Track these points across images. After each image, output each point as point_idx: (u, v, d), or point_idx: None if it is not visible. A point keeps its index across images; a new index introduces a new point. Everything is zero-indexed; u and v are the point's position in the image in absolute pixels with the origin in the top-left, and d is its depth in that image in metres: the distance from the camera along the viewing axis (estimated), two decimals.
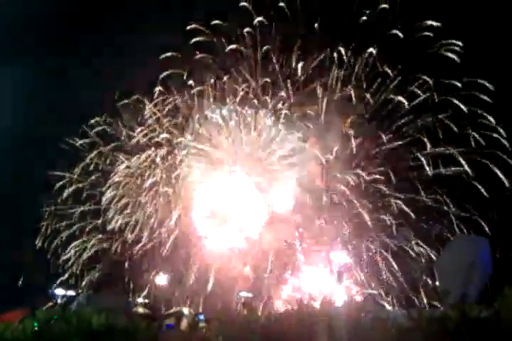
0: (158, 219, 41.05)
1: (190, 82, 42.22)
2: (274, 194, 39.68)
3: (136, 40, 40.36)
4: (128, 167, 42.51)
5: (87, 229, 41.70)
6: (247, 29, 40.79)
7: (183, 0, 40.76)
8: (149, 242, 40.82)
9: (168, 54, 41.29)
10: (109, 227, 41.07)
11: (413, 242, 36.45)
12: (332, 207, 38.20)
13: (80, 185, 42.92)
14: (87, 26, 42.35)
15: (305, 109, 39.72)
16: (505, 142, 34.98)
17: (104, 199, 42.12)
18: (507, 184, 34.45)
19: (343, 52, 39.08)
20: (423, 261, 35.78)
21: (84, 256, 41.32)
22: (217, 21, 41.08)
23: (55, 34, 41.67)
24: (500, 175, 34.64)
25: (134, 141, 43.07)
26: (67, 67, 41.47)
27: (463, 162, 35.88)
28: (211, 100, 41.80)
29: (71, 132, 43.17)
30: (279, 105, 40.19)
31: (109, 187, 42.37)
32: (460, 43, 36.00)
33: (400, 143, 37.72)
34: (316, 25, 39.26)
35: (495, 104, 34.80)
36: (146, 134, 42.96)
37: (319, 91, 39.34)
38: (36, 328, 12.76)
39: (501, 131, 34.92)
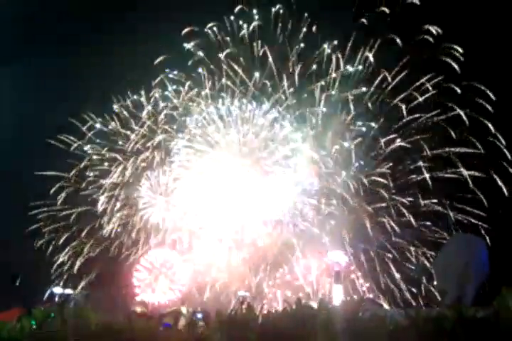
0: (155, 224, 40.88)
1: (188, 83, 42.06)
2: (272, 196, 39.62)
3: (134, 42, 40.27)
4: (125, 168, 42.31)
5: (85, 231, 41.12)
6: (244, 31, 40.64)
7: (179, 3, 40.66)
8: (146, 245, 40.67)
9: (166, 56, 41.20)
10: (107, 229, 40.85)
11: (411, 244, 36.51)
12: (330, 208, 38.19)
13: (78, 186, 42.48)
14: (85, 27, 42.22)
15: (303, 110, 39.79)
16: (501, 146, 35.10)
17: (100, 201, 41.85)
18: (506, 192, 34.56)
19: (339, 56, 39.02)
20: (420, 262, 35.82)
21: (82, 256, 41.02)
22: (213, 23, 41.02)
23: (54, 34, 41.50)
24: (500, 182, 34.81)
25: (132, 142, 42.73)
26: (64, 68, 41.26)
27: (461, 168, 35.93)
28: (209, 101, 41.65)
29: (69, 133, 43.01)
30: (278, 107, 40.10)
31: (105, 190, 42.11)
32: (460, 49, 35.92)
33: (399, 145, 37.73)
34: (314, 28, 39.28)
35: (495, 111, 34.84)
36: (143, 135, 42.74)
37: (317, 92, 39.30)
38: (34, 327, 12.76)
39: (499, 136, 35.00)
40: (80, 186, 42.62)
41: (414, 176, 37.42)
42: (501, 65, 33.50)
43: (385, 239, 36.60)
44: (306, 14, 39.51)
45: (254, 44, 40.51)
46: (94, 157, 43.47)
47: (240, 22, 40.86)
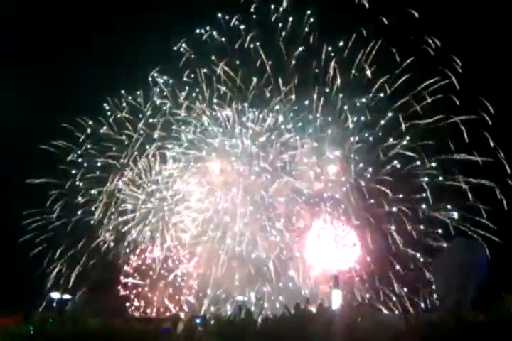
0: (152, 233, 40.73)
1: (186, 89, 42.03)
2: (272, 203, 39.62)
3: (132, 47, 40.26)
4: (122, 176, 42.03)
5: (83, 241, 40.60)
6: (242, 36, 40.64)
7: (177, 8, 40.77)
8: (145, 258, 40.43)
9: (164, 62, 41.25)
10: (102, 238, 40.49)
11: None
12: (330, 212, 38.23)
13: (74, 195, 41.87)
14: (84, 31, 41.79)
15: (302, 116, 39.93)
16: (499, 155, 35.30)
17: (97, 210, 41.44)
18: (505, 206, 34.73)
19: (336, 66, 39.15)
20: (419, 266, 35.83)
21: (80, 265, 40.52)
22: (213, 29, 41.14)
23: (46, 38, 41.02)
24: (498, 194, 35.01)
25: (129, 149, 42.44)
26: (59, 71, 40.99)
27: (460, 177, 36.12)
28: (207, 107, 41.65)
29: (64, 139, 42.37)
30: (276, 113, 40.20)
31: (102, 198, 41.72)
32: (459, 61, 36.16)
33: (398, 152, 37.94)
34: (312, 37, 39.48)
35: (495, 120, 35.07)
36: (141, 143, 42.53)
37: (315, 98, 39.43)
38: (32, 332, 12.73)
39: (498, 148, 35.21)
40: (77, 194, 41.87)
41: (414, 184, 37.52)
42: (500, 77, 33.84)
43: (384, 245, 36.61)
44: (305, 20, 39.78)
45: (252, 45, 40.44)
46: (89, 164, 42.80)
47: (236, 22, 40.94)
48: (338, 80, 39.11)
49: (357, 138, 39.07)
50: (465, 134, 35.70)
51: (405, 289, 35.83)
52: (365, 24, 37.14)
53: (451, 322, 10.80)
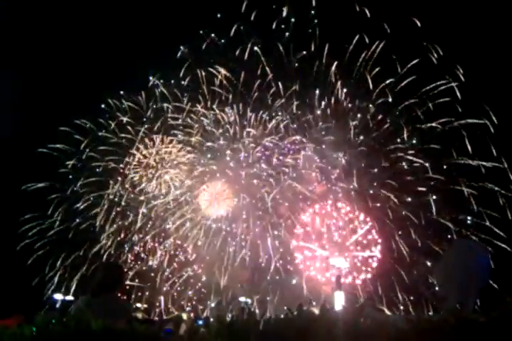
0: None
1: (188, 91, 42.15)
2: (273, 206, 39.62)
3: (132, 50, 40.60)
4: (123, 182, 41.99)
5: (85, 246, 40.59)
6: (240, 47, 40.58)
7: (175, 12, 40.95)
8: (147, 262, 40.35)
9: (164, 65, 41.61)
10: (103, 244, 40.45)
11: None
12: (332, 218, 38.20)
13: (74, 200, 41.81)
14: (82, 32, 41.72)
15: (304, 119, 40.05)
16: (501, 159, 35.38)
17: (99, 216, 41.34)
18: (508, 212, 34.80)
19: (338, 73, 39.31)
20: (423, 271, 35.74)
21: (83, 268, 40.53)
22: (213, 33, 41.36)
23: (47, 42, 40.80)
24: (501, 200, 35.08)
25: (131, 154, 42.42)
26: (58, 72, 40.72)
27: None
28: (208, 111, 41.71)
29: (66, 144, 42.38)
30: (278, 117, 40.30)
31: (104, 204, 41.60)
32: (461, 70, 36.34)
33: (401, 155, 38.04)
34: (312, 43, 39.73)
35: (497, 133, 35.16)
36: (142, 148, 42.51)
37: (316, 102, 39.61)
38: (34, 333, 12.69)
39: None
40: (77, 199, 41.72)
41: (417, 188, 37.52)
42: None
43: (387, 249, 36.54)
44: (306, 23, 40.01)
45: (255, 48, 40.55)
46: (90, 169, 42.64)
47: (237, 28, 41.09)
48: (340, 85, 39.36)
49: (359, 141, 39.23)
50: (466, 140, 35.88)
51: (410, 294, 35.83)
52: (367, 31, 37.46)
53: (453, 322, 10.61)
